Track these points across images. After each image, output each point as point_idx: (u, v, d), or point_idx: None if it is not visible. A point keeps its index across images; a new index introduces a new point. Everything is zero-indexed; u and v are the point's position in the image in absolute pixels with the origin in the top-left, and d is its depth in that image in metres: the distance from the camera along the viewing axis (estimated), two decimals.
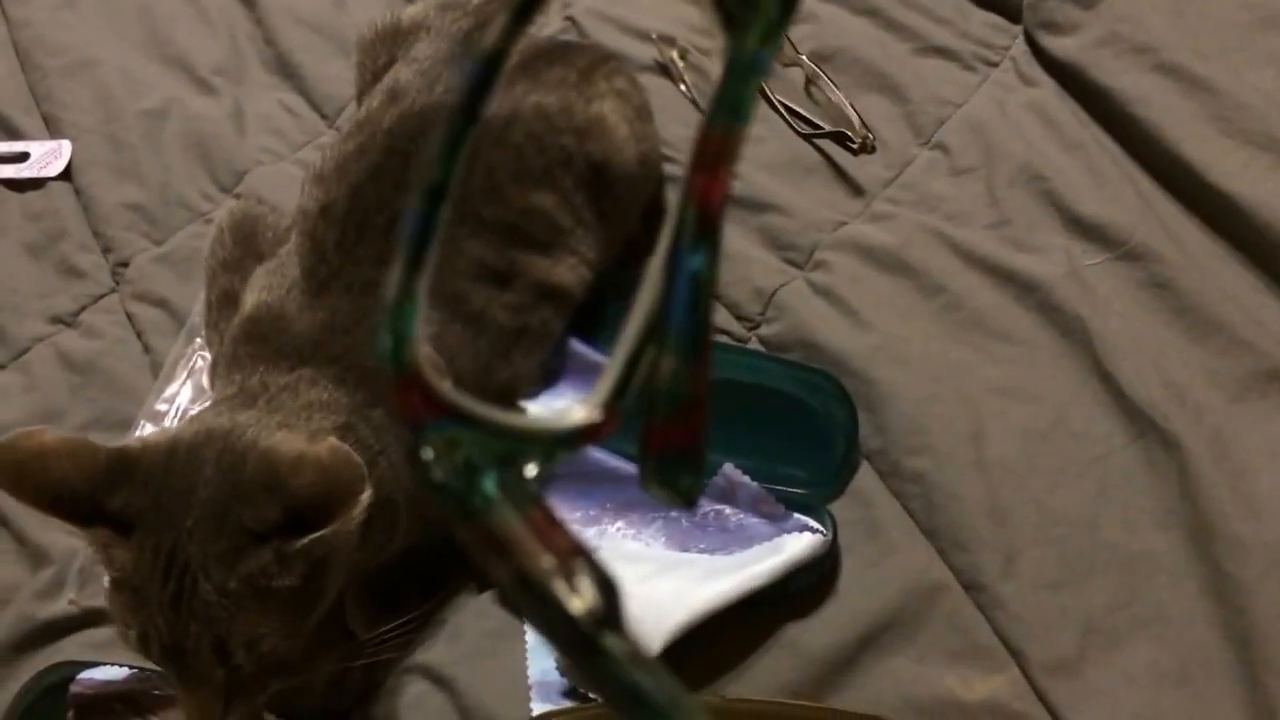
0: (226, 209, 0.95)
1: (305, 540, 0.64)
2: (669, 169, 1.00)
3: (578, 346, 0.92)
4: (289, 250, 0.83)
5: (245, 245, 0.89)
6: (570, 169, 0.89)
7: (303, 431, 0.70)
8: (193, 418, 0.73)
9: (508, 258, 0.86)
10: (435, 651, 0.80)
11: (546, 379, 0.92)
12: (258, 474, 0.65)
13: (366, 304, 0.77)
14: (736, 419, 0.85)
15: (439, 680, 0.79)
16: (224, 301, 0.86)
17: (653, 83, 1.06)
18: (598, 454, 0.83)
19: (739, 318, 0.92)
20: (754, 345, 0.92)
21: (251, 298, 0.82)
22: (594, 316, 0.93)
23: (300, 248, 0.81)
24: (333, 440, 0.66)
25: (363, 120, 0.84)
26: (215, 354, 0.85)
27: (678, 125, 1.04)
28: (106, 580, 0.68)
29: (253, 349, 0.78)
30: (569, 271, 0.90)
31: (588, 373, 0.91)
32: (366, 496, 0.64)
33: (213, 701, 0.66)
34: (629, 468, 0.82)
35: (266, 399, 0.74)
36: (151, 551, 0.64)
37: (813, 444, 0.85)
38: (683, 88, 1.07)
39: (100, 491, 0.65)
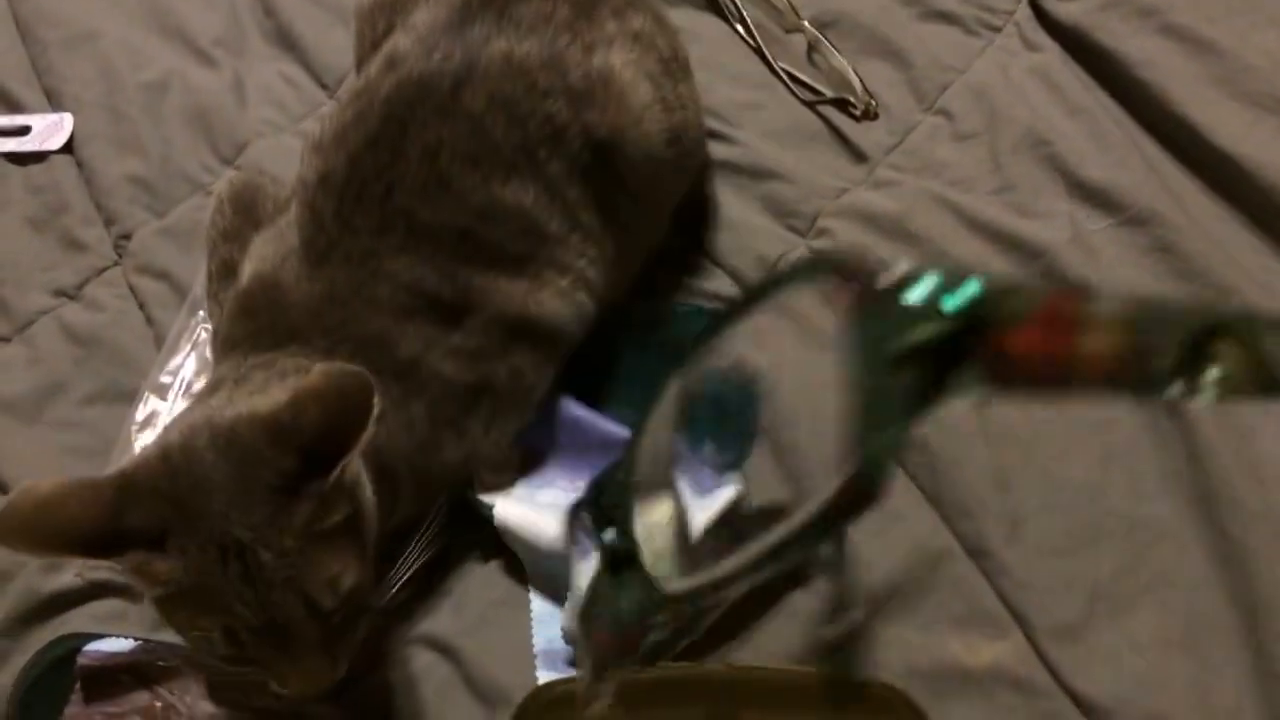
0: (226, 179, 0.93)
1: (337, 471, 0.62)
2: (718, 150, 0.97)
3: (574, 411, 0.82)
4: (288, 220, 0.78)
5: (245, 215, 0.85)
6: (560, 149, 0.76)
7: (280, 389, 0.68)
8: (169, 424, 0.71)
9: (456, 281, 0.75)
10: (441, 622, 0.80)
11: (525, 460, 0.82)
12: (257, 436, 0.63)
13: (363, 274, 0.74)
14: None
15: (445, 650, 0.79)
16: (224, 272, 0.83)
17: (692, 20, 1.01)
18: (599, 422, 0.82)
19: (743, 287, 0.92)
20: None
21: (249, 268, 0.79)
22: (601, 366, 0.85)
23: (299, 218, 0.77)
24: (321, 364, 0.64)
25: (361, 88, 0.78)
26: (215, 325, 0.84)
27: (730, 84, 1.01)
28: (149, 601, 0.66)
29: (247, 324, 0.76)
30: (556, 299, 0.78)
31: (590, 452, 0.81)
32: (378, 401, 0.61)
33: (322, 659, 0.65)
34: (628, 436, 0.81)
35: (234, 380, 0.71)
36: (197, 549, 0.62)
37: None
38: (739, 29, 1.01)
39: (114, 519, 0.62)
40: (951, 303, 0.23)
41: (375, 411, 0.61)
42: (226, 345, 0.77)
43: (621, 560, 0.29)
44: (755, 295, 0.26)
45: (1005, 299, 0.24)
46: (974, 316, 0.23)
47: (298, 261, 0.76)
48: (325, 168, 0.76)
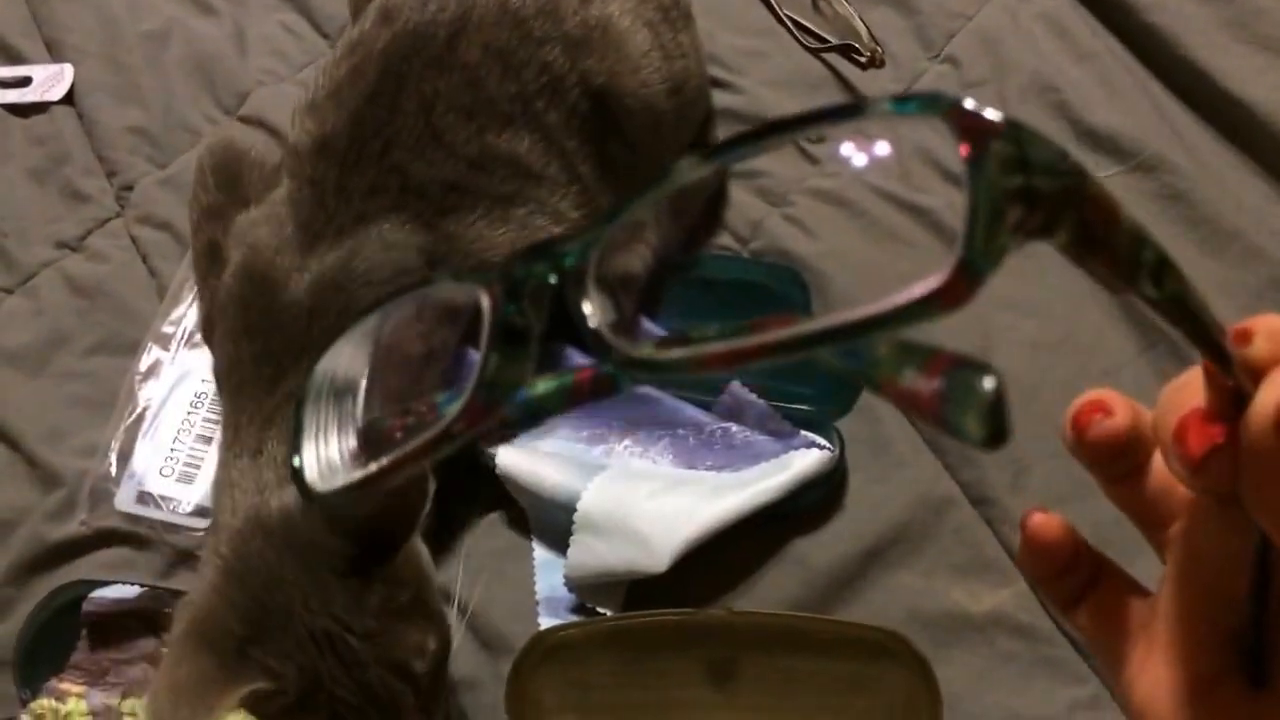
0: (205, 145, 0.86)
1: (399, 556, 0.63)
2: (721, 98, 0.95)
3: (576, 360, 0.79)
4: (280, 197, 0.76)
5: (229, 189, 0.81)
6: (558, 99, 0.75)
7: None
8: (210, 532, 0.71)
9: (438, 232, 0.74)
10: (445, 572, 0.80)
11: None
12: (315, 526, 0.64)
13: (354, 243, 0.72)
14: (730, 306, 0.85)
15: (448, 599, 0.79)
16: (210, 255, 0.80)
17: None
18: None
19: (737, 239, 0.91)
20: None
21: (238, 257, 0.75)
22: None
23: (295, 194, 0.74)
24: None
25: (355, 41, 0.76)
26: (206, 310, 0.80)
27: (733, 31, 0.99)
28: None
29: (246, 341, 0.73)
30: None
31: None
32: (432, 484, 0.63)
33: (422, 717, 0.66)
34: (635, 387, 0.81)
35: (255, 449, 0.70)
36: (295, 648, 0.63)
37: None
38: None
39: (231, 676, 0.62)
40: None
41: (430, 494, 0.62)
42: (227, 362, 0.74)
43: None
44: (835, 113, 0.25)
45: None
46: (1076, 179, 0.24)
47: (291, 251, 0.73)
48: (323, 131, 0.75)
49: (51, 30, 1.09)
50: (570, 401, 0.30)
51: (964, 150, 0.23)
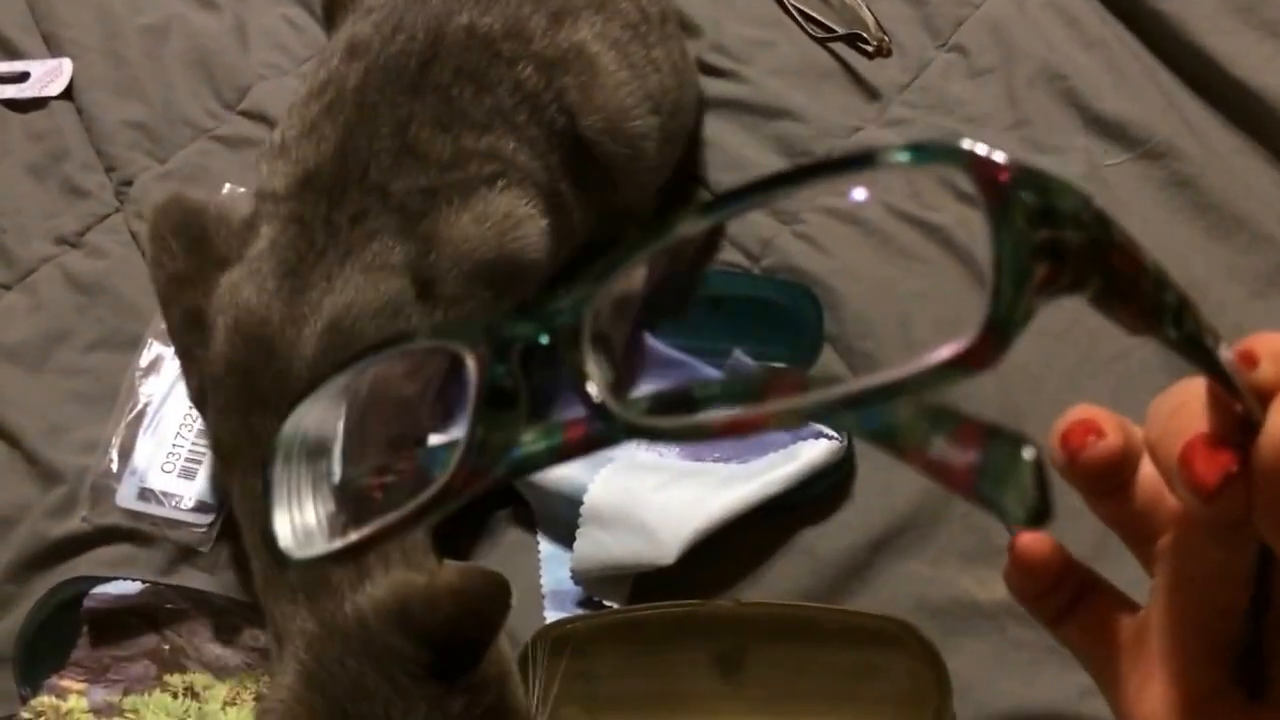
0: (152, 209, 0.80)
1: (480, 669, 0.61)
2: (728, 89, 0.95)
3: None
4: (260, 250, 0.73)
5: (199, 252, 0.76)
6: (538, 115, 0.75)
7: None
8: (283, 650, 0.67)
9: (418, 235, 0.72)
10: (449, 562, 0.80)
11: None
12: (390, 630, 0.62)
13: (342, 282, 0.70)
14: (739, 323, 0.85)
15: None
16: (190, 323, 0.75)
17: None
18: None
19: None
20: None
21: (224, 321, 0.71)
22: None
23: (277, 239, 0.72)
24: (456, 564, 0.63)
25: (325, 81, 0.76)
26: (197, 383, 0.76)
27: (740, 21, 0.98)
28: None
29: (247, 399, 0.70)
30: (537, 234, 0.75)
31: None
32: (514, 596, 0.61)
33: None
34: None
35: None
36: None
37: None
38: None
39: None
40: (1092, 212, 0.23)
41: (511, 605, 0.61)
42: (234, 440, 0.71)
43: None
44: (849, 162, 0.24)
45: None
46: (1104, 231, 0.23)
47: (282, 303, 0.70)
48: (305, 169, 0.73)
49: (50, 25, 1.09)
50: (559, 459, 0.29)
51: (986, 203, 0.22)
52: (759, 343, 0.82)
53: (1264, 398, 0.26)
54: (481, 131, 0.73)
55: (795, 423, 0.24)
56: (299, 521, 0.32)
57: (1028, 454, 0.23)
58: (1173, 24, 0.90)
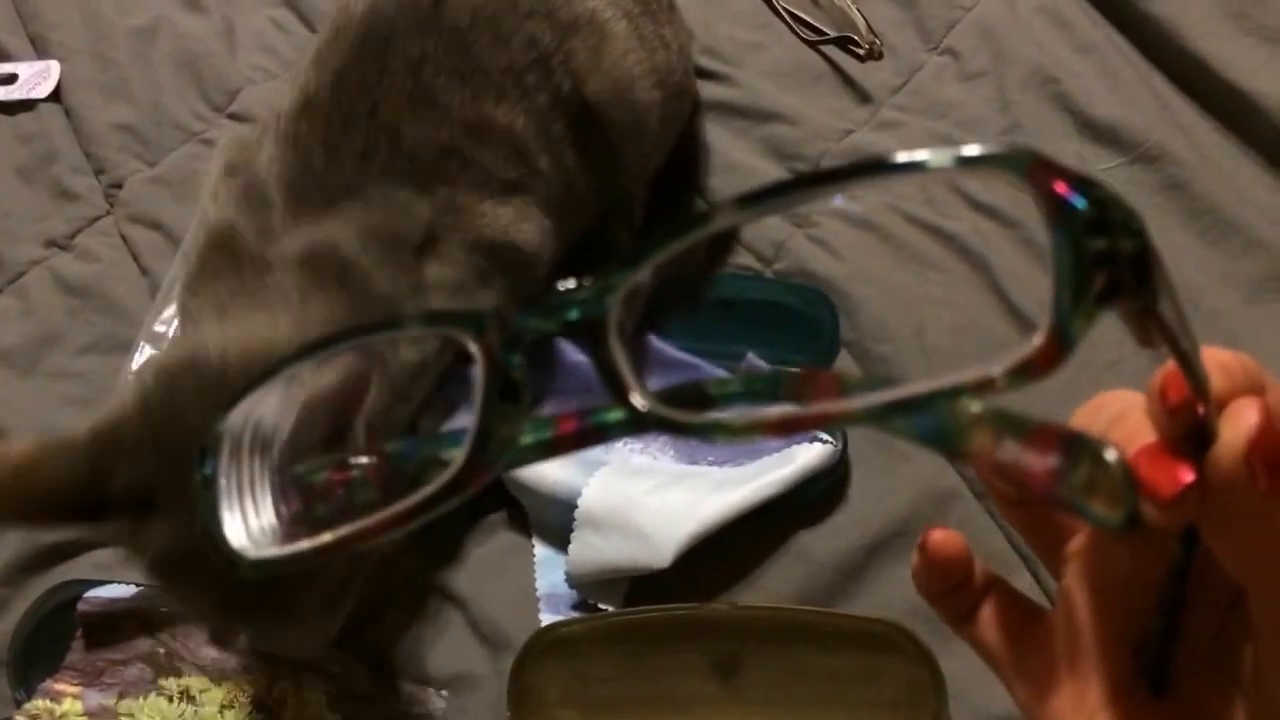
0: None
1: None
2: (718, 92, 0.95)
3: (573, 356, 0.78)
4: (267, 159, 0.72)
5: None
6: (546, 79, 0.73)
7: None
8: (140, 368, 0.64)
9: (437, 198, 0.71)
10: (445, 569, 0.80)
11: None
12: (252, 374, 0.60)
13: (349, 207, 0.69)
14: (752, 327, 0.84)
15: (450, 596, 0.79)
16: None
17: None
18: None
19: None
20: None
21: (200, 225, 0.71)
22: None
23: (274, 159, 0.71)
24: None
25: (338, 8, 0.75)
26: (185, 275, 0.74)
27: (730, 23, 0.99)
28: (143, 567, 0.60)
29: (220, 280, 0.68)
30: (538, 233, 0.75)
31: (589, 397, 0.74)
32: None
33: (323, 619, 0.64)
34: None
35: (212, 311, 0.66)
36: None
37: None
38: None
39: (96, 482, 0.58)
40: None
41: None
42: (194, 285, 0.70)
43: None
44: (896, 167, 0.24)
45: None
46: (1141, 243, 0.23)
47: (280, 215, 0.69)
48: (305, 93, 0.72)
49: (38, 26, 1.08)
50: (548, 455, 0.27)
51: (1045, 210, 0.22)
52: (772, 346, 0.82)
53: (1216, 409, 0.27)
54: (499, 97, 0.71)
55: (853, 423, 0.24)
56: (254, 522, 0.30)
57: (1111, 456, 0.24)
58: (1165, 27, 0.90)
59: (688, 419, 0.25)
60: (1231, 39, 0.88)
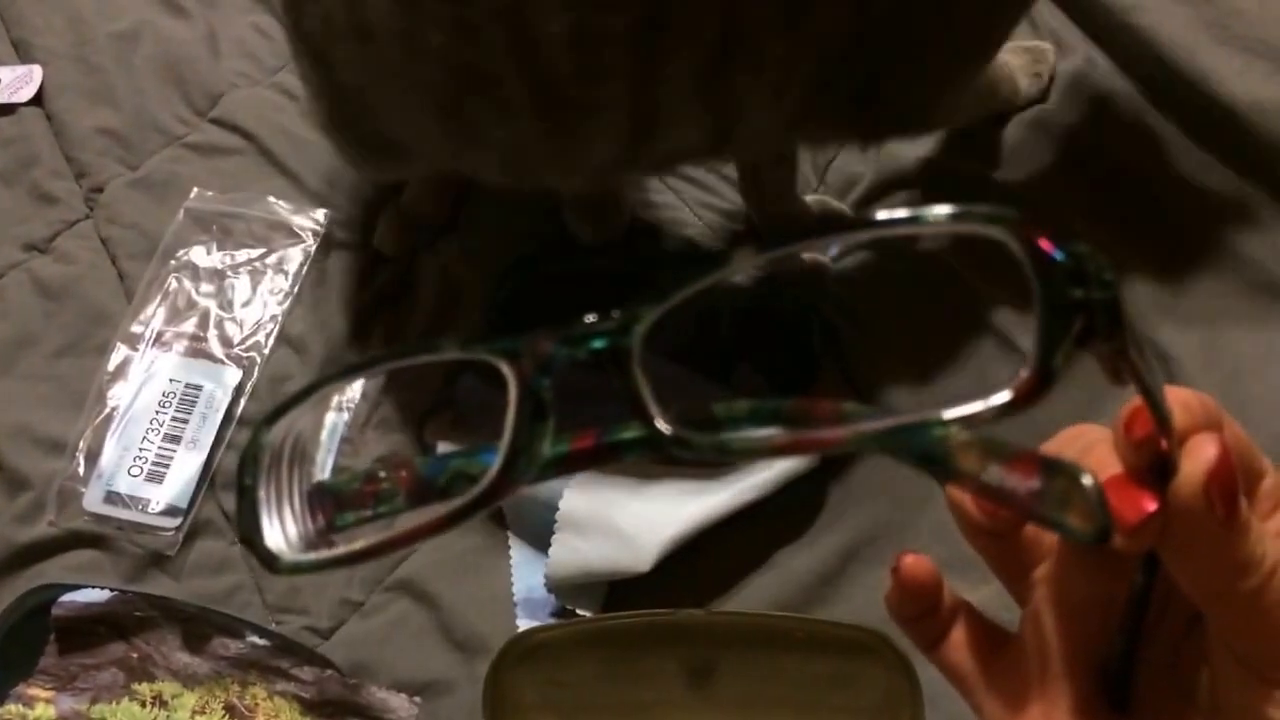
0: None
1: None
2: None
3: None
4: None
5: None
6: None
7: None
8: None
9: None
10: (418, 568, 0.79)
11: None
12: None
13: None
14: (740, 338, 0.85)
15: (422, 596, 0.78)
16: None
17: None
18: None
19: None
20: None
21: None
22: None
23: None
24: None
25: None
26: None
27: None
28: None
29: None
30: None
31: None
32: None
33: None
34: None
35: None
36: None
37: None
38: None
39: None
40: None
41: None
42: None
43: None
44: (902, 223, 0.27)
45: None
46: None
47: None
48: None
49: (20, 31, 1.08)
50: (563, 471, 0.29)
51: (1031, 266, 0.25)
52: (759, 358, 0.82)
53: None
54: None
55: (851, 449, 0.27)
56: (291, 529, 0.32)
57: (1087, 480, 0.27)
58: (1145, 37, 0.90)
59: (700, 439, 0.28)
60: (1209, 49, 0.88)
